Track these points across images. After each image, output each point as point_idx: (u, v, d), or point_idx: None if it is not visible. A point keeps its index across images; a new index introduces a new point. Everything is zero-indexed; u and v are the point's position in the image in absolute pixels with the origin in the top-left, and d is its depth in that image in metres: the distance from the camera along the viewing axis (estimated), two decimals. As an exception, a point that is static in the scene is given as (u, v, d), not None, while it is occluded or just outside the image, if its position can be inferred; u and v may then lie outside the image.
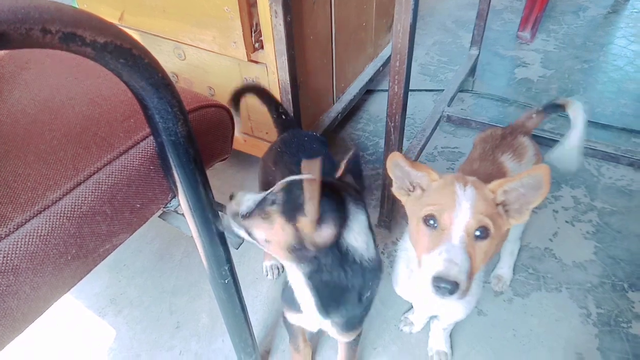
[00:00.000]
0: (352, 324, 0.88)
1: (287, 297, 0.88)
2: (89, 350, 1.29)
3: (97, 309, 1.40)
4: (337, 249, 0.70)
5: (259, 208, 0.75)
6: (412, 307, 1.30)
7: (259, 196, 0.77)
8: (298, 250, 0.71)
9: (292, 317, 0.94)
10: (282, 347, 1.27)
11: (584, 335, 1.26)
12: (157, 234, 1.59)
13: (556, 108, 1.23)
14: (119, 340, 1.31)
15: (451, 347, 1.24)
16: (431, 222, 0.75)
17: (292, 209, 0.69)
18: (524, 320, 1.30)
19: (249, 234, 0.77)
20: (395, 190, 0.84)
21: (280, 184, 0.73)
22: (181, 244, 1.55)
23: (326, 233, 0.68)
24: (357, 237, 0.72)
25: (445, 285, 0.69)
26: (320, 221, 0.67)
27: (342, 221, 0.70)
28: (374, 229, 0.87)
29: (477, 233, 0.73)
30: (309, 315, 0.85)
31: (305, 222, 0.67)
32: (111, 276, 1.48)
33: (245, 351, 1.11)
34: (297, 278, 0.77)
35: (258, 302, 1.37)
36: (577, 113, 1.16)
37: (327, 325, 0.88)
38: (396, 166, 0.80)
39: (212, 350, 1.27)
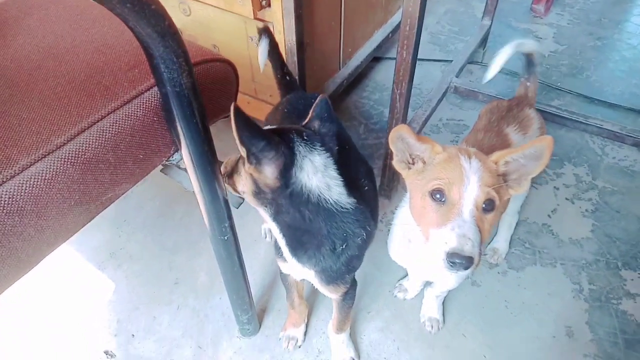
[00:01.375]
0: (331, 277, 0.87)
1: (275, 246, 0.91)
2: (88, 302, 1.32)
3: (97, 262, 1.42)
4: (289, 189, 0.73)
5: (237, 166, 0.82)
6: (406, 274, 1.32)
7: (235, 156, 0.83)
8: (258, 194, 0.77)
9: (281, 265, 0.96)
10: (278, 307, 1.29)
11: (574, 310, 1.28)
12: (159, 192, 1.60)
13: (529, 63, 1.25)
14: (117, 293, 1.34)
15: (443, 314, 1.26)
16: (438, 196, 0.74)
17: (247, 158, 0.72)
18: (516, 293, 1.32)
19: (237, 192, 0.84)
20: (395, 163, 0.83)
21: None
22: (182, 202, 1.56)
23: (268, 172, 0.72)
24: (312, 177, 0.74)
25: (460, 261, 0.68)
26: (258, 162, 0.71)
27: (283, 160, 0.72)
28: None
29: (485, 206, 0.73)
30: (290, 261, 0.86)
31: (249, 166, 0.72)
32: (111, 231, 1.49)
33: (242, 308, 1.13)
34: (270, 223, 0.81)
35: (256, 263, 1.39)
36: (521, 45, 1.20)
37: (311, 276, 0.89)
38: (399, 138, 0.78)
39: (209, 306, 1.30)
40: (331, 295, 0.96)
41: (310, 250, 0.80)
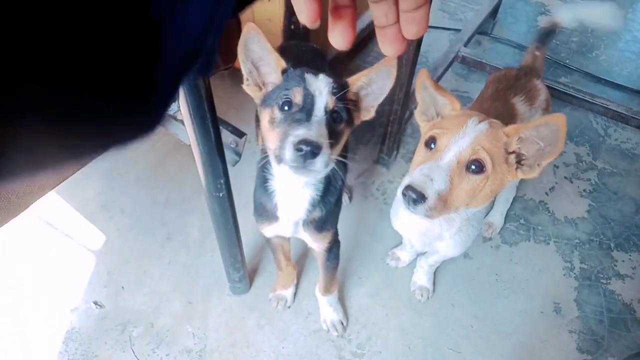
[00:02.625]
0: (328, 219, 0.90)
1: (260, 209, 0.91)
2: (78, 253, 1.31)
3: (88, 213, 1.40)
4: None
5: None
6: (400, 242, 1.32)
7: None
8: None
9: (267, 229, 0.94)
10: (269, 268, 1.29)
11: (563, 287, 1.29)
12: (153, 146, 1.57)
13: (549, 33, 1.20)
14: (108, 245, 1.33)
15: (434, 284, 1.27)
16: (432, 145, 0.75)
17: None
18: (508, 267, 1.33)
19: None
20: (417, 113, 0.83)
21: None
22: (176, 158, 1.53)
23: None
24: None
25: (412, 194, 0.69)
26: None
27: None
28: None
29: (473, 167, 0.71)
30: (285, 219, 0.87)
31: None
32: (104, 183, 1.47)
33: (233, 266, 1.12)
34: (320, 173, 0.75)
35: (249, 223, 1.36)
36: (570, 15, 1.15)
37: (300, 231, 0.90)
38: (424, 87, 0.79)
39: (200, 263, 1.30)
40: (320, 244, 0.96)
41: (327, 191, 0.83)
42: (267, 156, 0.74)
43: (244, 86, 0.78)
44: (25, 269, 1.27)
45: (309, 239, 0.93)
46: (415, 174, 0.70)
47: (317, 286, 1.16)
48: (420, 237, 1.00)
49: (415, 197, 0.68)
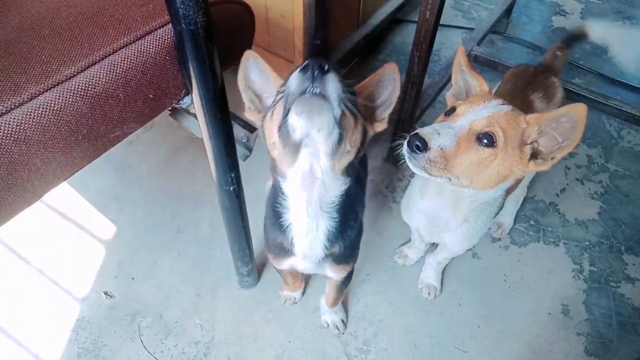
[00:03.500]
0: (349, 254, 0.85)
1: (274, 246, 0.84)
2: (89, 243, 1.33)
3: (100, 204, 1.42)
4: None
5: None
6: (408, 240, 1.32)
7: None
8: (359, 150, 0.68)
9: (281, 263, 0.88)
10: (278, 262, 1.30)
11: (572, 289, 1.29)
12: (165, 139, 1.58)
13: (577, 38, 1.21)
14: (119, 236, 1.35)
15: (441, 283, 1.27)
16: (450, 114, 0.76)
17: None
18: (516, 268, 1.32)
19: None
20: (449, 95, 0.85)
21: None
22: (188, 151, 1.55)
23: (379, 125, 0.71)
24: None
25: (416, 141, 0.69)
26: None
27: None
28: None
29: (485, 140, 0.71)
30: (301, 256, 0.80)
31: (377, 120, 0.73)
32: (116, 175, 1.49)
33: (242, 260, 1.13)
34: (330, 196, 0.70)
35: (259, 218, 1.37)
36: (602, 32, 1.15)
37: (321, 264, 0.84)
38: (460, 70, 0.81)
39: (210, 256, 1.31)
40: (337, 275, 0.91)
41: (349, 220, 0.76)
42: (277, 189, 0.70)
43: (246, 114, 0.74)
44: (37, 259, 1.29)
45: (328, 270, 0.89)
46: (425, 127, 0.71)
47: (324, 298, 1.14)
48: (428, 226, 1.00)
49: (419, 144, 0.68)
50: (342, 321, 1.18)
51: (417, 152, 0.69)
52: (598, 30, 1.17)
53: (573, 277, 1.31)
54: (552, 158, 0.73)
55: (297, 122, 0.56)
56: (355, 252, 0.90)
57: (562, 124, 0.70)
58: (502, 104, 0.74)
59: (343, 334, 1.18)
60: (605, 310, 1.25)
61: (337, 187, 0.68)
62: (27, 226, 1.35)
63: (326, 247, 0.78)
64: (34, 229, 1.35)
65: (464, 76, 0.83)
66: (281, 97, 0.59)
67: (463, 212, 0.88)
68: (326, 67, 0.55)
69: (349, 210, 0.76)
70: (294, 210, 0.72)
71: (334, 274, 0.90)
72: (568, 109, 0.68)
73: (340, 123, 0.58)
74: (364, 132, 0.67)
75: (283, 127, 0.58)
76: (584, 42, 1.22)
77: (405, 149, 0.72)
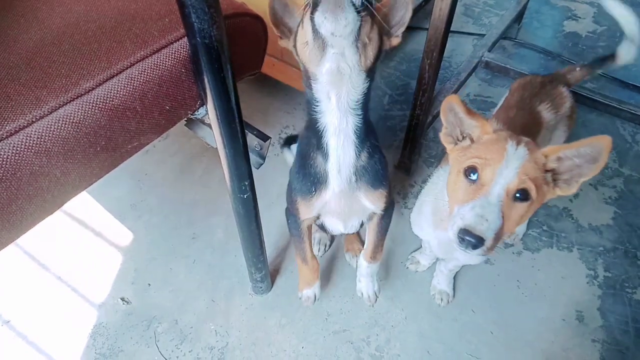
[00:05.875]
0: (380, 174, 0.89)
1: (307, 181, 0.88)
2: (107, 250, 1.36)
3: (117, 212, 1.45)
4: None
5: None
6: (420, 246, 1.32)
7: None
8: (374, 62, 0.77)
9: (312, 206, 0.91)
10: (291, 269, 1.31)
11: (587, 295, 1.28)
12: (181, 148, 1.61)
13: (605, 61, 1.18)
14: (136, 243, 1.38)
15: (454, 289, 1.27)
16: (472, 175, 0.73)
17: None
18: (530, 274, 1.32)
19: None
20: (443, 135, 0.82)
21: None
22: (203, 160, 1.58)
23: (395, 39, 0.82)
24: None
25: (470, 239, 0.68)
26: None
27: None
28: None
29: (518, 195, 0.70)
30: (335, 183, 0.85)
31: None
32: (133, 183, 1.52)
33: (256, 266, 1.15)
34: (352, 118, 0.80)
35: (272, 225, 1.41)
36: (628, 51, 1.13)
37: (355, 192, 0.88)
38: (451, 110, 0.77)
39: (224, 263, 1.33)
40: (378, 204, 0.94)
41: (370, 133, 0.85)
42: (310, 103, 0.79)
43: (280, 43, 0.83)
44: (56, 265, 1.32)
45: (365, 201, 0.91)
46: (468, 216, 0.69)
47: (363, 253, 1.12)
48: (440, 246, 1.00)
49: (475, 241, 0.68)
50: (375, 293, 1.16)
51: (475, 248, 0.69)
52: (627, 55, 1.15)
53: (587, 282, 1.30)
54: (576, 182, 0.72)
55: (323, 20, 0.64)
56: (386, 176, 0.92)
57: (582, 152, 0.69)
58: (517, 146, 0.72)
59: (373, 306, 1.19)
60: (621, 317, 1.23)
61: (361, 83, 0.76)
62: (47, 233, 1.38)
63: (356, 147, 0.83)
64: (53, 236, 1.38)
65: (453, 114, 0.79)
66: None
67: None
68: None
69: (368, 126, 0.84)
70: (326, 110, 0.79)
71: (371, 204, 0.92)
72: (591, 141, 0.67)
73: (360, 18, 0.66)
74: (380, 39, 0.76)
75: (313, 25, 0.66)
76: (611, 65, 1.20)
77: (456, 244, 0.71)
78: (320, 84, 0.75)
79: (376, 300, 1.17)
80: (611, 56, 1.18)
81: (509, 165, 0.70)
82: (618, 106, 1.67)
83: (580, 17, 2.20)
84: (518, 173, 0.69)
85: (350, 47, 0.69)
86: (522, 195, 0.70)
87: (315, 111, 0.80)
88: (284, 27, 0.82)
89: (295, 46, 0.77)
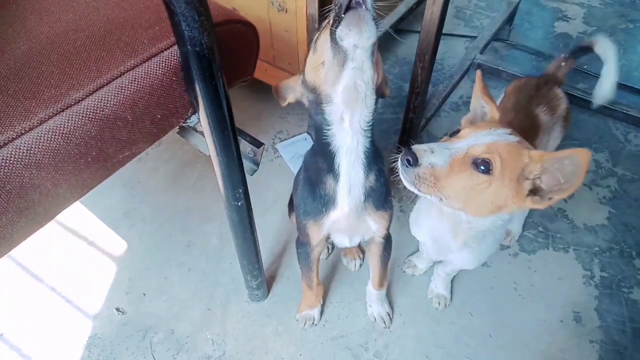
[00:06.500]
0: (384, 195, 0.91)
1: (316, 199, 0.90)
2: (100, 260, 1.35)
3: (111, 221, 1.44)
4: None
5: None
6: (417, 250, 1.32)
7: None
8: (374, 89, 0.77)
9: (321, 226, 0.93)
10: (287, 275, 1.31)
11: (584, 296, 1.28)
12: (173, 155, 1.60)
13: (584, 50, 1.20)
14: (130, 252, 1.36)
15: (451, 292, 1.26)
16: (456, 134, 0.77)
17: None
18: (526, 275, 1.32)
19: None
20: (464, 120, 0.87)
21: None
22: (196, 166, 1.56)
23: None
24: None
25: (407, 155, 0.71)
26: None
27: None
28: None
29: (482, 167, 0.70)
30: (345, 195, 0.87)
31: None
32: (125, 191, 1.51)
33: (252, 274, 1.14)
34: (354, 139, 0.80)
35: (267, 231, 1.40)
36: (606, 49, 1.13)
37: (362, 213, 0.91)
38: (477, 97, 0.83)
39: (220, 270, 1.32)
40: (381, 225, 0.96)
41: (375, 162, 0.86)
42: (319, 128, 0.80)
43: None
44: (50, 276, 1.31)
45: (370, 221, 0.93)
46: (422, 144, 0.73)
47: (370, 282, 1.19)
48: (434, 245, 1.00)
49: (410, 158, 0.71)
50: (388, 314, 1.21)
51: (408, 166, 0.71)
52: (601, 47, 1.16)
53: (584, 283, 1.30)
54: (549, 198, 0.71)
55: (348, 32, 0.66)
56: (388, 198, 0.94)
57: (565, 166, 0.67)
58: (510, 134, 0.73)
59: (389, 328, 1.20)
60: (618, 317, 1.23)
61: (372, 103, 0.77)
62: (39, 244, 1.37)
63: (365, 173, 0.85)
64: (45, 247, 1.37)
65: (480, 102, 0.82)
66: (330, 14, 0.69)
67: (462, 237, 0.89)
68: None
69: (375, 149, 0.85)
70: (338, 131, 0.80)
71: (375, 224, 0.95)
72: (572, 153, 0.66)
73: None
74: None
75: (333, 40, 0.68)
76: (590, 54, 1.21)
77: (399, 163, 0.74)
78: (335, 105, 0.76)
79: (391, 321, 1.21)
80: (589, 47, 1.20)
81: (488, 135, 0.72)
82: (610, 106, 1.68)
83: (570, 18, 2.22)
84: (489, 144, 0.70)
85: (368, 60, 0.71)
86: (485, 168, 0.70)
87: (326, 135, 0.81)
88: (284, 96, 0.88)
89: (304, 80, 0.80)
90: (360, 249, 1.34)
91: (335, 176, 0.85)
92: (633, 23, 2.19)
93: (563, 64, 1.21)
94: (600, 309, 1.25)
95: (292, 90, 0.86)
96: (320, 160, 0.86)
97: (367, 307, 1.23)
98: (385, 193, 0.91)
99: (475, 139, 0.72)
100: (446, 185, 0.72)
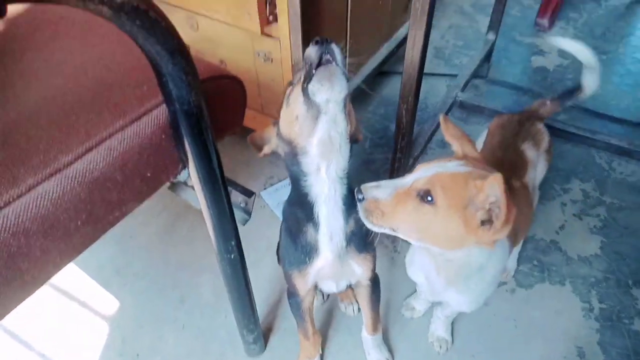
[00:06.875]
0: (364, 242, 0.91)
1: (298, 251, 0.90)
2: (93, 321, 1.30)
3: (102, 279, 1.40)
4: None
5: None
6: (414, 292, 1.30)
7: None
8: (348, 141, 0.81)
9: (308, 274, 0.93)
10: (284, 326, 1.27)
11: (585, 330, 1.26)
12: (165, 208, 1.59)
13: (571, 95, 1.22)
14: (122, 311, 1.32)
15: (452, 334, 1.24)
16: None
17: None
18: (525, 311, 1.30)
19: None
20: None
21: None
22: (188, 218, 1.55)
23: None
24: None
25: (357, 192, 0.77)
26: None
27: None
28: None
29: (429, 198, 0.72)
30: (327, 243, 0.87)
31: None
32: (117, 247, 1.48)
33: (247, 328, 1.11)
34: (331, 190, 0.82)
35: (261, 280, 1.38)
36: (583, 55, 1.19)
37: (345, 259, 0.91)
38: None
39: (214, 325, 1.28)
40: (365, 269, 0.96)
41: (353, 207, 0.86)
42: (297, 178, 0.82)
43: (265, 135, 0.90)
44: (39, 342, 1.26)
45: (354, 265, 0.94)
46: (375, 182, 0.78)
47: (364, 328, 1.16)
48: (428, 286, 0.99)
49: (359, 194, 0.76)
50: None
51: (360, 201, 0.77)
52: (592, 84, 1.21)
53: (584, 316, 1.29)
54: (494, 227, 0.70)
55: (320, 87, 0.70)
56: (368, 242, 0.94)
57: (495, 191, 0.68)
58: (462, 165, 0.74)
59: None
60: (622, 350, 1.21)
61: (347, 152, 0.80)
62: (28, 308, 1.32)
63: (345, 219, 0.86)
64: (35, 311, 1.32)
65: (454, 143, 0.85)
66: (301, 71, 0.74)
67: (444, 273, 0.89)
68: (329, 39, 0.71)
69: (352, 193, 0.85)
70: (316, 181, 0.81)
71: (359, 267, 0.95)
72: (490, 177, 0.67)
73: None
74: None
75: (306, 95, 0.71)
76: (579, 97, 1.25)
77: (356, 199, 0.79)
78: (310, 157, 0.78)
79: None
80: (578, 88, 1.23)
81: (434, 167, 0.75)
82: (591, 136, 1.71)
83: (546, 52, 2.29)
84: (432, 176, 0.73)
85: (340, 113, 0.74)
86: (430, 197, 0.72)
87: (303, 185, 0.82)
88: (260, 146, 0.90)
89: (279, 132, 0.82)
90: None
91: (316, 225, 0.86)
92: (606, 54, 2.28)
93: (548, 103, 1.24)
94: (603, 343, 1.23)
95: (267, 141, 0.88)
96: (299, 210, 0.86)
97: (366, 355, 1.20)
98: (365, 236, 0.91)
99: (421, 173, 0.75)
100: (394, 217, 0.75)
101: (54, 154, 0.64)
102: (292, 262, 0.93)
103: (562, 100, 1.26)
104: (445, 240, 0.76)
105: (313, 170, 0.80)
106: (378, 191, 0.75)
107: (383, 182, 0.77)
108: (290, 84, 0.79)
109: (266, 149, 0.88)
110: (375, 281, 1.04)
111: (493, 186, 0.67)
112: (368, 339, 1.17)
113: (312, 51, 0.71)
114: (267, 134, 0.88)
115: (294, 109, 0.75)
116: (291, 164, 0.82)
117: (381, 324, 1.17)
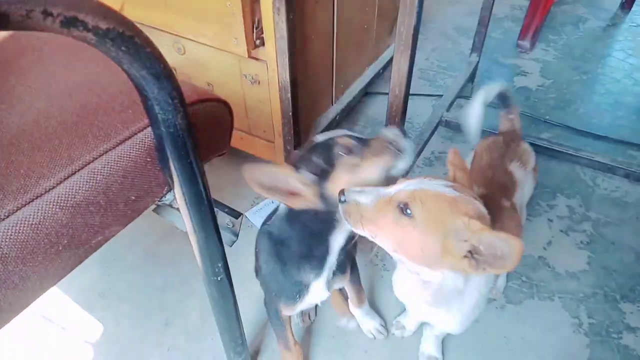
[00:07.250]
0: (345, 265, 1.00)
1: (295, 285, 0.94)
2: (75, 345, 1.27)
3: (85, 303, 1.37)
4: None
5: None
6: (404, 310, 1.29)
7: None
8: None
9: (289, 308, 0.97)
10: (272, 347, 1.25)
11: (575, 345, 1.26)
12: (150, 230, 1.57)
13: (505, 98, 1.29)
14: (106, 335, 1.29)
15: (442, 352, 1.23)
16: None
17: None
18: (516, 328, 1.30)
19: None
20: None
21: None
22: (173, 240, 1.53)
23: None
24: None
25: (341, 192, 0.78)
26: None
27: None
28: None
29: (408, 211, 0.71)
30: (319, 289, 0.94)
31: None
32: (101, 270, 1.46)
33: (235, 350, 1.09)
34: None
35: (248, 302, 1.36)
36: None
37: (331, 285, 0.97)
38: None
39: (201, 348, 1.26)
40: (347, 279, 1.07)
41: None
42: (323, 223, 0.86)
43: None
44: (20, 369, 1.23)
45: (337, 284, 1.01)
46: (360, 187, 0.79)
47: (350, 302, 1.24)
48: (414, 306, 0.99)
49: (341, 197, 0.78)
50: (382, 325, 1.28)
51: (340, 202, 0.78)
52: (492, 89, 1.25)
53: (573, 332, 1.29)
54: (483, 268, 0.68)
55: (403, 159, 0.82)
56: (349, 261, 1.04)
57: (500, 246, 0.65)
58: (448, 187, 0.72)
59: (388, 336, 1.25)
60: (612, 365, 1.21)
61: None
62: (7, 334, 1.29)
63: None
64: (15, 337, 1.29)
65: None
66: (386, 151, 0.82)
67: (424, 293, 0.87)
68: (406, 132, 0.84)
69: None
70: (339, 236, 0.88)
71: (341, 282, 1.05)
72: (507, 239, 0.64)
73: None
74: None
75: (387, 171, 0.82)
76: (507, 93, 1.28)
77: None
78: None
79: (387, 330, 1.27)
80: (501, 90, 1.27)
81: (418, 183, 0.75)
82: (575, 154, 1.74)
83: (528, 73, 2.35)
84: (414, 191, 0.73)
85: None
86: (409, 210, 0.71)
87: (320, 237, 0.88)
88: (267, 186, 0.83)
89: (324, 193, 0.82)
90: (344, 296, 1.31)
91: (318, 273, 0.91)
92: (586, 74, 2.33)
93: (511, 116, 1.26)
94: (594, 358, 1.23)
95: (283, 184, 0.82)
96: (304, 253, 0.89)
97: (361, 327, 1.27)
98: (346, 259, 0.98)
99: (405, 186, 0.75)
100: (374, 223, 0.76)
101: (35, 179, 0.63)
102: (281, 294, 0.97)
103: (508, 106, 1.29)
104: (420, 257, 0.75)
105: (343, 230, 0.86)
106: (361, 196, 0.77)
107: (367, 189, 0.78)
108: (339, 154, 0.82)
109: (301, 204, 0.83)
110: (352, 267, 1.09)
111: (511, 248, 0.63)
112: (357, 311, 1.24)
113: (403, 142, 0.82)
114: (281, 175, 0.82)
115: (365, 180, 0.81)
116: (318, 219, 0.85)
117: (365, 294, 1.24)
